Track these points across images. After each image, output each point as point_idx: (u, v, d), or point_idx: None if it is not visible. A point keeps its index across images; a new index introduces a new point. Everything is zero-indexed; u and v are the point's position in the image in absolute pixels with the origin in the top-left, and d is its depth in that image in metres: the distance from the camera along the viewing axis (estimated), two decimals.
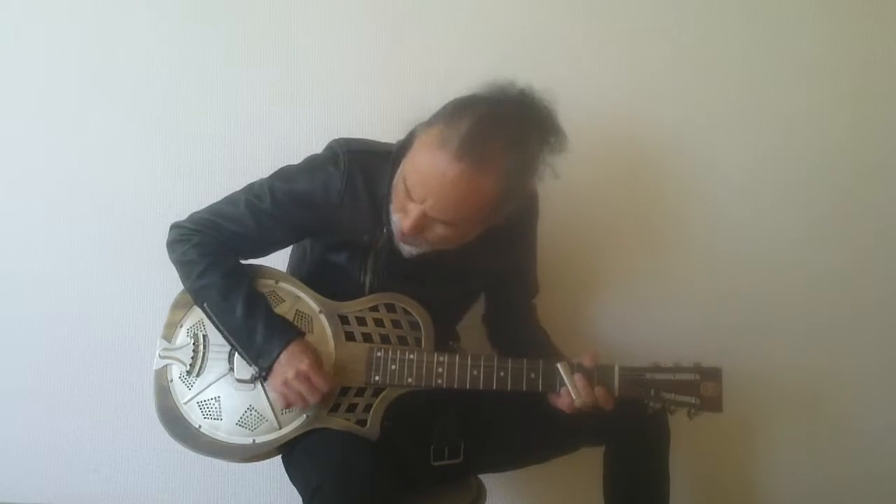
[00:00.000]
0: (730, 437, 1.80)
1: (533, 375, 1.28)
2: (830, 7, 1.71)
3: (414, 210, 1.18)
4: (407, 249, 1.27)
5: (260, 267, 1.38)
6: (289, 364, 1.25)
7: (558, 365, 1.27)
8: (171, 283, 1.37)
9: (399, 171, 1.22)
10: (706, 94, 1.73)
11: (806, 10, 1.72)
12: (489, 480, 1.56)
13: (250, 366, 1.30)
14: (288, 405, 1.28)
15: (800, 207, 1.76)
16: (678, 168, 1.75)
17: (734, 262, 1.77)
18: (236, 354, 1.33)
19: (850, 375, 1.79)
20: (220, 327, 1.30)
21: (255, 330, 1.27)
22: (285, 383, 1.25)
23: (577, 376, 1.26)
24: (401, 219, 1.21)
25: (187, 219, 1.37)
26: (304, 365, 1.25)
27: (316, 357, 1.28)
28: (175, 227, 1.37)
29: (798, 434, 1.81)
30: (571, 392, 1.25)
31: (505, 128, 1.15)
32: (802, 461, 1.81)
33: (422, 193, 1.16)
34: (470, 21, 1.65)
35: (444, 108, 1.20)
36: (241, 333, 1.28)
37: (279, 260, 1.46)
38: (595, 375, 1.27)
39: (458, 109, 1.17)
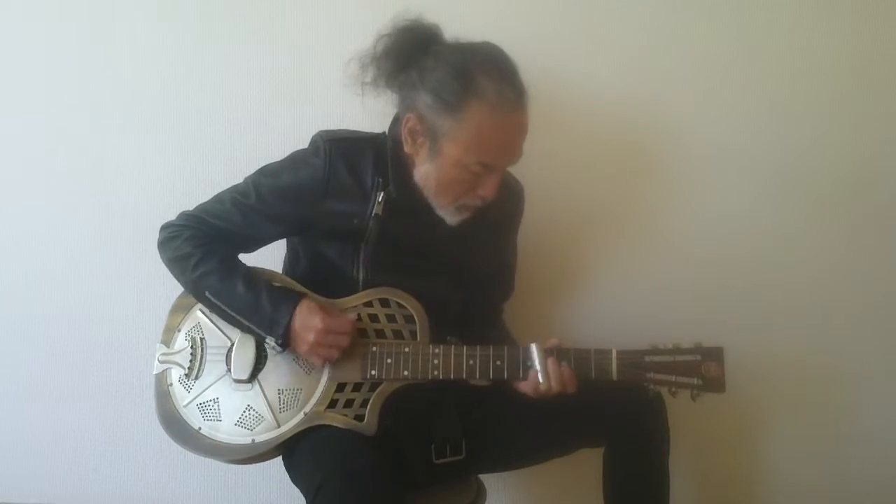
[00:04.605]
0: (730, 437, 1.80)
1: (529, 363, 1.28)
2: (829, 4, 1.72)
3: (494, 178, 1.25)
4: (458, 219, 1.31)
5: (255, 268, 1.38)
6: (303, 329, 1.27)
7: (533, 346, 1.26)
8: (170, 282, 1.37)
9: (447, 164, 1.24)
10: (705, 85, 1.74)
11: (804, 7, 1.72)
12: (489, 480, 1.56)
13: (264, 339, 1.30)
14: (325, 361, 1.29)
15: (796, 202, 1.76)
16: (679, 161, 1.75)
17: (733, 257, 1.77)
18: (233, 354, 1.33)
19: (850, 371, 1.78)
20: (225, 309, 1.31)
21: (260, 302, 1.28)
22: (311, 349, 1.27)
23: (550, 361, 1.26)
24: (472, 198, 1.27)
25: (176, 217, 1.39)
26: (318, 323, 1.26)
27: (325, 312, 1.29)
28: (165, 227, 1.39)
29: (798, 432, 1.81)
30: (540, 375, 1.25)
31: (503, 60, 1.25)
32: (803, 459, 1.81)
33: (506, 158, 1.26)
34: (469, 19, 1.65)
35: (443, 86, 1.21)
36: (247, 309, 1.29)
37: (275, 263, 1.47)
38: (571, 358, 1.26)
39: (466, 76, 1.21)
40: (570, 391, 1.26)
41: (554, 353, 1.27)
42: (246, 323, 1.30)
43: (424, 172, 1.28)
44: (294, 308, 1.28)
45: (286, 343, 1.29)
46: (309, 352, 1.28)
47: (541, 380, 1.25)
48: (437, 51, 1.25)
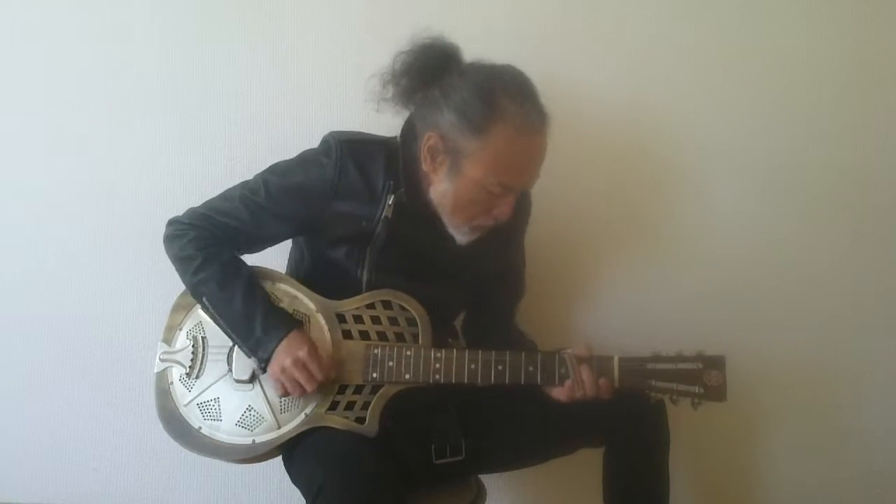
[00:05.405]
0: (730, 438, 1.80)
1: (532, 368, 1.27)
2: (829, 4, 1.71)
3: (511, 199, 1.26)
4: (469, 238, 1.31)
5: (257, 268, 1.38)
6: (287, 352, 1.26)
7: (565, 356, 1.26)
8: (170, 282, 1.37)
9: (467, 184, 1.24)
10: (706, 85, 1.74)
11: (804, 7, 1.72)
12: (489, 480, 1.56)
13: (248, 357, 1.29)
14: (284, 393, 1.28)
15: (796, 202, 1.76)
16: (679, 162, 1.75)
17: (734, 257, 1.76)
18: (235, 354, 1.33)
19: (850, 371, 1.78)
20: (219, 320, 1.30)
21: (254, 321, 1.28)
22: (283, 370, 1.25)
23: (583, 367, 1.25)
24: (486, 219, 1.28)
25: (183, 214, 1.38)
26: (301, 353, 1.25)
27: (313, 346, 1.28)
28: (171, 222, 1.38)
29: (799, 433, 1.81)
30: (576, 384, 1.25)
31: (526, 82, 1.25)
32: (803, 461, 1.81)
33: (526, 180, 1.28)
34: (470, 19, 1.65)
35: (468, 106, 1.21)
36: (240, 325, 1.29)
37: (280, 262, 1.46)
38: (594, 366, 1.26)
39: (491, 97, 1.20)
40: (605, 397, 1.26)
41: (578, 360, 1.26)
42: (235, 338, 1.30)
43: (442, 191, 1.27)
44: (284, 335, 1.27)
45: (267, 367, 1.28)
46: (279, 374, 1.26)
47: (576, 387, 1.25)
48: (460, 70, 1.25)
